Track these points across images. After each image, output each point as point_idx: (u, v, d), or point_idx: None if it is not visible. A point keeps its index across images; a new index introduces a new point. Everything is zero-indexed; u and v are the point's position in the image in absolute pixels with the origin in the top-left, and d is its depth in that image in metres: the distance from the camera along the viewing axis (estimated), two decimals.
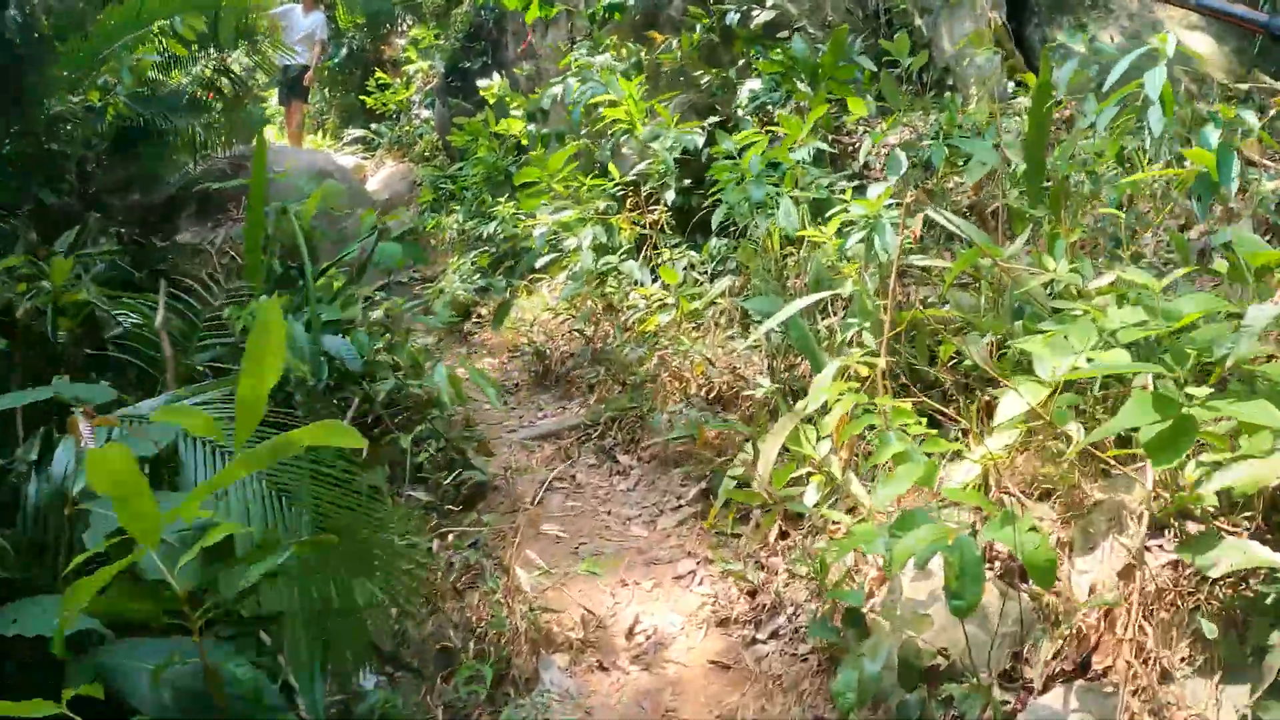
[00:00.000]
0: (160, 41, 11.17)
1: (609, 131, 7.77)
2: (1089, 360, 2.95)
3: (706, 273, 7.58)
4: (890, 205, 4.62)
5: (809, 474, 3.95)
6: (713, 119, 8.28)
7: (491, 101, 9.63)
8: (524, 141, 9.67)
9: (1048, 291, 3.88)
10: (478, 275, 9.86)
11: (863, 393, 3.60)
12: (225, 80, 12.22)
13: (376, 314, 7.21)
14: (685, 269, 7.33)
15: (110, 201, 11.24)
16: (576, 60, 9.05)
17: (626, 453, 5.70)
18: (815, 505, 3.88)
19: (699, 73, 8.96)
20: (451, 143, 11.30)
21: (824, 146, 5.51)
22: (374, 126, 16.54)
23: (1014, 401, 3.05)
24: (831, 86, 6.60)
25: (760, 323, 5.28)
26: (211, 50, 11.52)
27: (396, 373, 5.38)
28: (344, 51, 17.35)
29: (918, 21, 10.89)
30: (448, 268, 10.87)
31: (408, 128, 15.50)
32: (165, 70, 11.47)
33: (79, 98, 9.22)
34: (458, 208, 10.89)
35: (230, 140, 12.43)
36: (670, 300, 5.64)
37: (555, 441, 6.04)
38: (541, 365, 7.43)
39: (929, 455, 3.13)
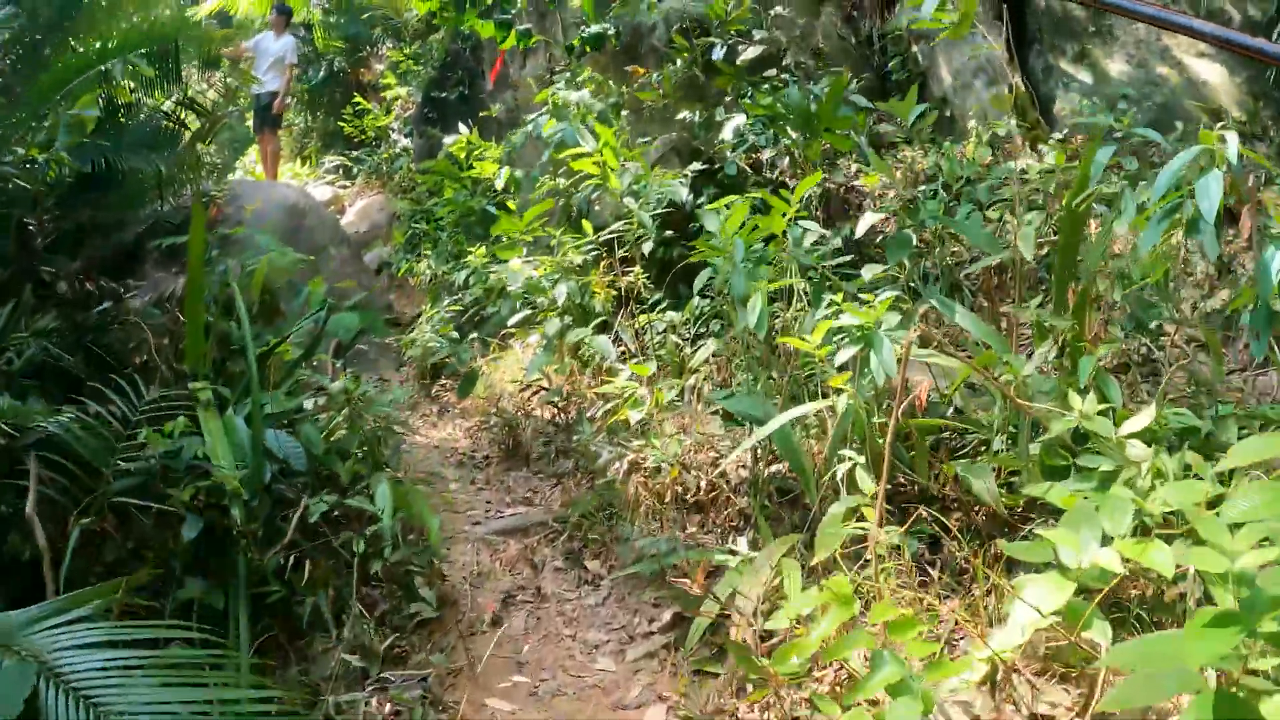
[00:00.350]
0: (116, 82, 10.66)
1: (582, 184, 7.23)
2: (1123, 559, 2.41)
3: (689, 334, 7.06)
4: (886, 294, 4.06)
5: (793, 636, 3.40)
6: (696, 165, 7.75)
7: (460, 156, 9.12)
8: (498, 186, 9.14)
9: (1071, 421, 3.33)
10: (451, 324, 9.32)
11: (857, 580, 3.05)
12: (190, 113, 11.71)
13: (336, 385, 6.65)
14: (664, 330, 6.80)
15: (61, 257, 10.75)
16: (553, 95, 8.51)
17: (597, 557, 5.16)
18: (796, 672, 3.33)
19: (682, 112, 8.43)
20: (419, 182, 10.77)
21: (814, 226, 4.93)
22: (354, 154, 16.01)
23: (1026, 611, 2.51)
24: (828, 138, 6.05)
25: (742, 423, 4.75)
26: (173, 84, 11.01)
27: (338, 486, 4.81)
28: (322, 74, 16.80)
29: (914, 49, 10.35)
30: (422, 311, 10.33)
31: (386, 155, 14.96)
32: (127, 109, 10.93)
33: (24, 149, 8.68)
34: (430, 250, 10.34)
35: (198, 175, 11.93)
36: (643, 393, 5.08)
37: (521, 539, 5.50)
38: (511, 439, 6.89)
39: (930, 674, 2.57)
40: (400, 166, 13.86)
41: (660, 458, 4.77)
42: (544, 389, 6.94)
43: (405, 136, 14.53)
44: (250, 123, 14.27)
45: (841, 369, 4.02)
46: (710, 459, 5.16)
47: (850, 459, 3.70)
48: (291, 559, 4.52)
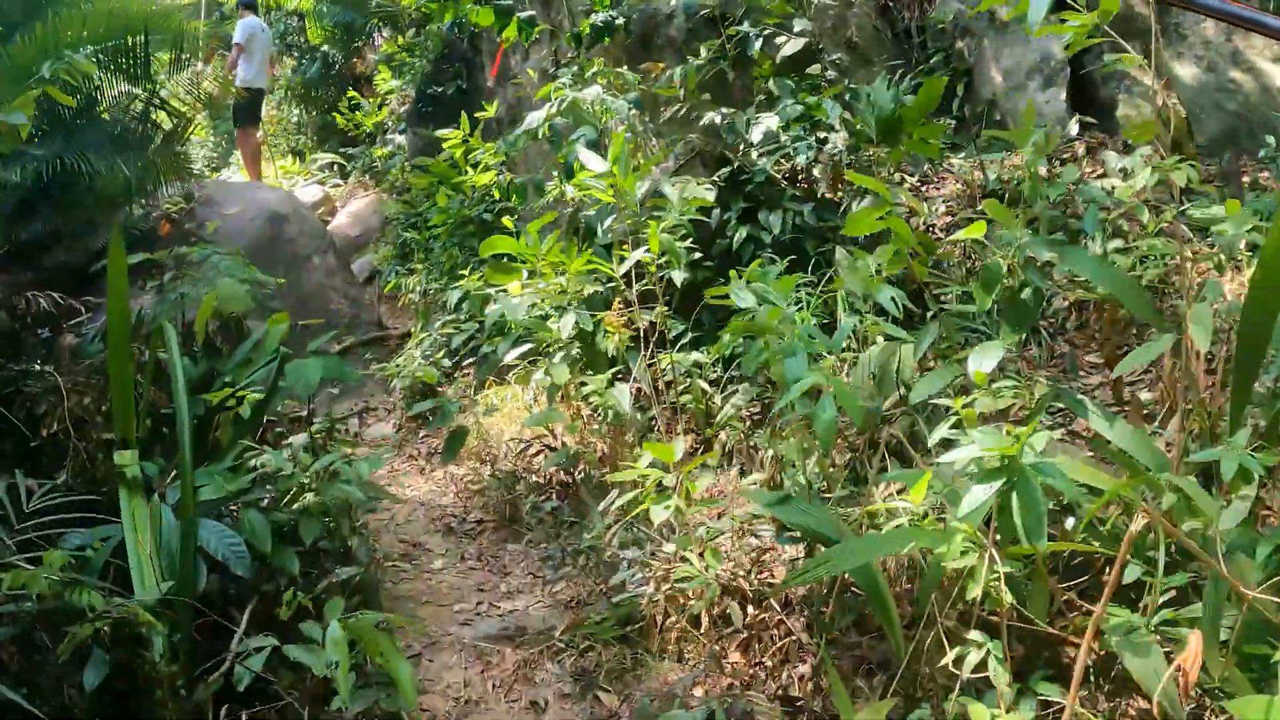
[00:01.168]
0: (76, 77, 9.54)
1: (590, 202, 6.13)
2: None
3: (714, 375, 5.97)
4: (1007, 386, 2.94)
5: None
6: (723, 171, 6.63)
7: (455, 155, 7.96)
8: (496, 194, 8.01)
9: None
10: (443, 351, 8.22)
11: None
12: (162, 113, 10.58)
13: (299, 439, 5.57)
14: (688, 372, 5.71)
15: (17, 268, 9.65)
16: (555, 90, 7.38)
17: (613, 683, 4.06)
18: None
19: (707, 113, 7.30)
20: (410, 185, 9.65)
21: (897, 299, 3.82)
22: (348, 151, 14.88)
23: None
24: (915, 146, 4.93)
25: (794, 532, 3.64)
26: (142, 80, 9.89)
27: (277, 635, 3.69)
28: (316, 66, 15.65)
29: (958, 44, 9.19)
30: (412, 333, 9.22)
31: (380, 154, 13.82)
32: (87, 108, 9.83)
33: None
34: (421, 264, 9.22)
35: (171, 177, 10.81)
36: (669, 480, 3.96)
37: (520, 650, 4.40)
38: (508, 502, 5.79)
39: None
40: (394, 166, 12.72)
41: (697, 579, 3.66)
42: (548, 449, 5.83)
43: (400, 134, 13.40)
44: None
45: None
46: (753, 552, 4.07)
47: (976, 644, 2.58)
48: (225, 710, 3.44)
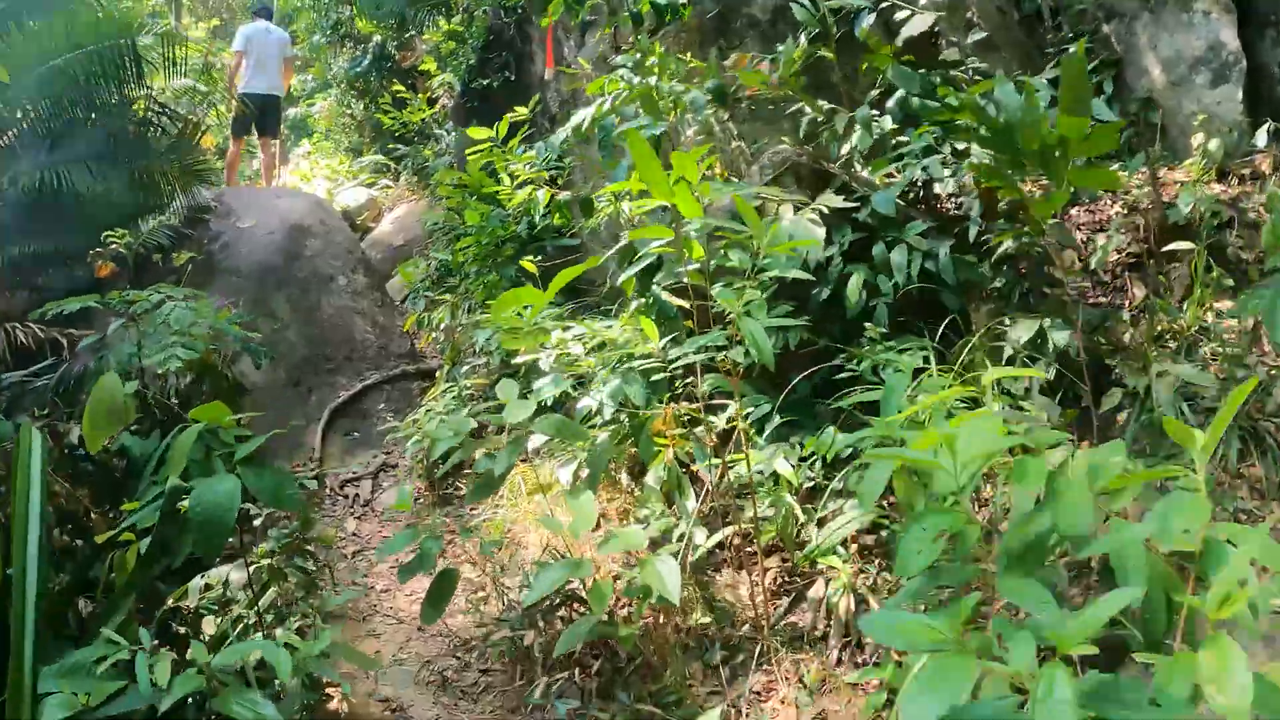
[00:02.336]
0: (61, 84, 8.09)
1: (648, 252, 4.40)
2: None
3: (817, 479, 4.25)
4: None
5: None
6: (830, 198, 4.84)
7: (496, 163, 6.20)
8: (531, 211, 6.28)
9: None
10: (469, 405, 6.53)
11: None
12: (165, 119, 9.05)
13: (236, 575, 3.96)
14: (771, 479, 3.97)
15: (13, 289, 8.19)
16: (613, 82, 5.67)
17: None
18: None
19: (797, 107, 5.51)
20: (440, 193, 7.95)
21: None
22: (399, 150, 13.30)
23: None
24: (1088, 179, 3.12)
25: None
26: (134, 87, 8.37)
27: None
28: (367, 59, 14.08)
29: (1103, 29, 7.20)
30: (437, 378, 7.53)
31: (428, 153, 12.21)
32: (79, 118, 8.32)
33: None
34: (451, 293, 7.53)
35: (180, 188, 9.29)
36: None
37: None
38: (522, 654, 4.07)
39: None
40: (441, 167, 11.06)
41: None
42: (572, 605, 4.10)
43: (449, 131, 11.77)
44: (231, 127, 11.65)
45: None
46: None
47: None
48: None
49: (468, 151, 5.91)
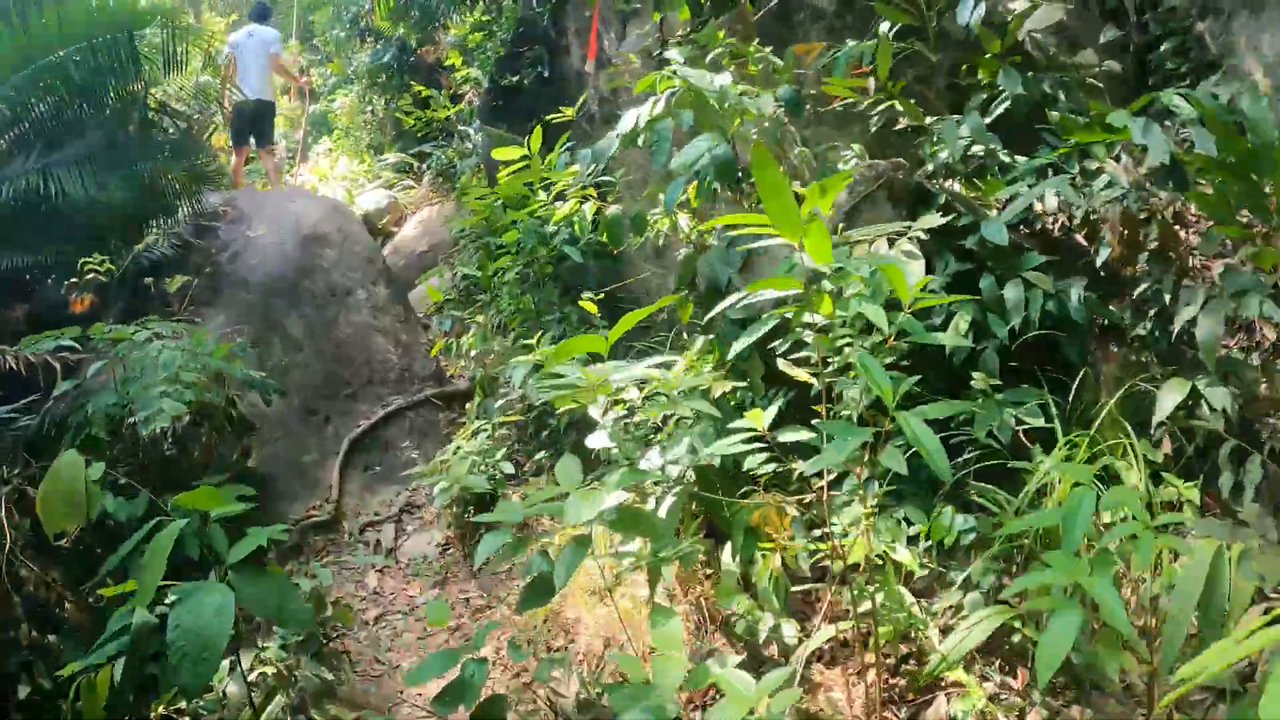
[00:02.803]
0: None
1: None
2: None
3: (935, 569, 3.47)
4: None
5: None
6: (930, 218, 4.02)
7: (509, 169, 5.36)
8: (579, 228, 5.47)
9: None
10: (504, 452, 5.76)
11: None
12: (167, 119, 8.25)
13: (233, 690, 3.18)
14: (886, 566, 3.17)
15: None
16: (665, 79, 4.86)
17: None
18: None
19: (875, 111, 4.68)
20: (465, 204, 7.15)
21: None
22: (423, 149, 12.49)
23: None
24: None
25: None
26: (131, 83, 7.56)
27: None
28: (389, 54, 13.28)
29: (1197, 26, 6.35)
30: (467, 410, 6.74)
31: (453, 154, 11.41)
32: (79, 118, 7.52)
33: None
34: (482, 315, 6.74)
35: (184, 194, 8.50)
36: None
37: None
38: None
39: None
40: (467, 169, 10.26)
41: None
42: None
43: (475, 130, 10.95)
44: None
45: None
46: None
47: None
48: None
49: (501, 175, 5.08)
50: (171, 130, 7.95)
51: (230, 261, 7.90)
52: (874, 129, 5.22)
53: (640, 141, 5.08)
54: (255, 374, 5.39)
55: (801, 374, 3.15)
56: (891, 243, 3.98)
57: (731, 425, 3.21)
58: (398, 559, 5.99)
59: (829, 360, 3.05)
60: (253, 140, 10.61)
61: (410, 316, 8.44)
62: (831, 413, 3.39)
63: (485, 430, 5.75)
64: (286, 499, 6.53)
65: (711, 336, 4.64)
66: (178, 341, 4.77)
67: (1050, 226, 4.63)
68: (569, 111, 5.52)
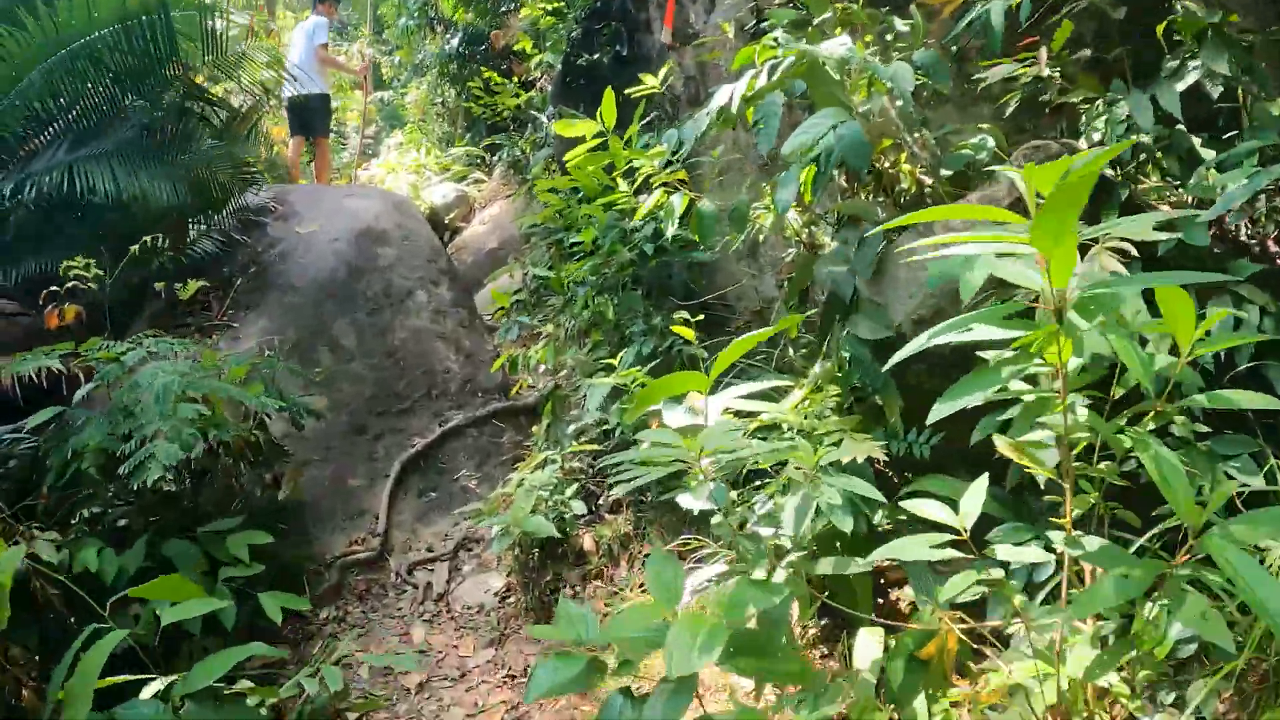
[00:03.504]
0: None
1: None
2: None
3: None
4: None
5: None
6: (1138, 223, 2.98)
7: (579, 152, 4.38)
8: (662, 226, 4.51)
9: None
10: (575, 488, 4.84)
11: None
12: (209, 109, 7.40)
13: None
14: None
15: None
16: (766, 48, 3.92)
17: None
18: None
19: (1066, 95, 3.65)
20: (538, 197, 6.21)
21: None
22: (495, 139, 11.63)
23: None
24: None
25: None
26: (168, 67, 6.73)
27: None
28: (456, 40, 12.45)
29: None
30: (535, 433, 5.84)
31: (526, 143, 10.51)
32: (111, 107, 6.73)
33: None
34: (553, 323, 5.83)
35: (228, 189, 7.69)
36: None
37: None
38: None
39: None
40: (540, 160, 9.33)
41: None
42: None
43: (549, 118, 10.04)
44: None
45: None
46: None
47: None
48: None
49: (569, 156, 4.10)
50: (211, 121, 7.13)
51: (278, 261, 7.08)
52: (1013, 106, 4.18)
53: (739, 121, 4.15)
54: (272, 401, 4.51)
55: (1039, 464, 2.15)
56: (1083, 252, 2.96)
57: (909, 508, 2.23)
58: (450, 606, 5.10)
59: (1056, 431, 2.05)
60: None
61: (475, 320, 7.56)
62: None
63: (554, 462, 4.83)
64: (327, 530, 5.68)
65: (833, 360, 3.66)
66: (177, 364, 3.89)
67: (1232, 228, 3.57)
68: (652, 80, 4.54)
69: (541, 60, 10.06)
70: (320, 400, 6.20)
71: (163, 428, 3.63)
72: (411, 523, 5.91)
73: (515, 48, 10.57)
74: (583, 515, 4.86)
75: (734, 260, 5.96)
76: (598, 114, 4.06)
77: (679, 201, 4.18)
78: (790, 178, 3.60)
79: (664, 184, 4.39)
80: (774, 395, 4.03)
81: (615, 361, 4.34)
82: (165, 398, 3.69)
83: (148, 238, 6.47)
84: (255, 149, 7.63)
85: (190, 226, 7.22)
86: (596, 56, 7.57)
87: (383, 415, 6.40)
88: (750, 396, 3.11)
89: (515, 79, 10.51)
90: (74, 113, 6.73)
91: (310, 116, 9.90)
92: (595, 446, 4.93)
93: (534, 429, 5.80)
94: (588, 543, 5.05)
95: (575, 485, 4.85)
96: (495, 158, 11.70)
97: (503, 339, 6.07)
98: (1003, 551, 2.20)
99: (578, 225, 5.56)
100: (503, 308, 6.61)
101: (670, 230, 4.17)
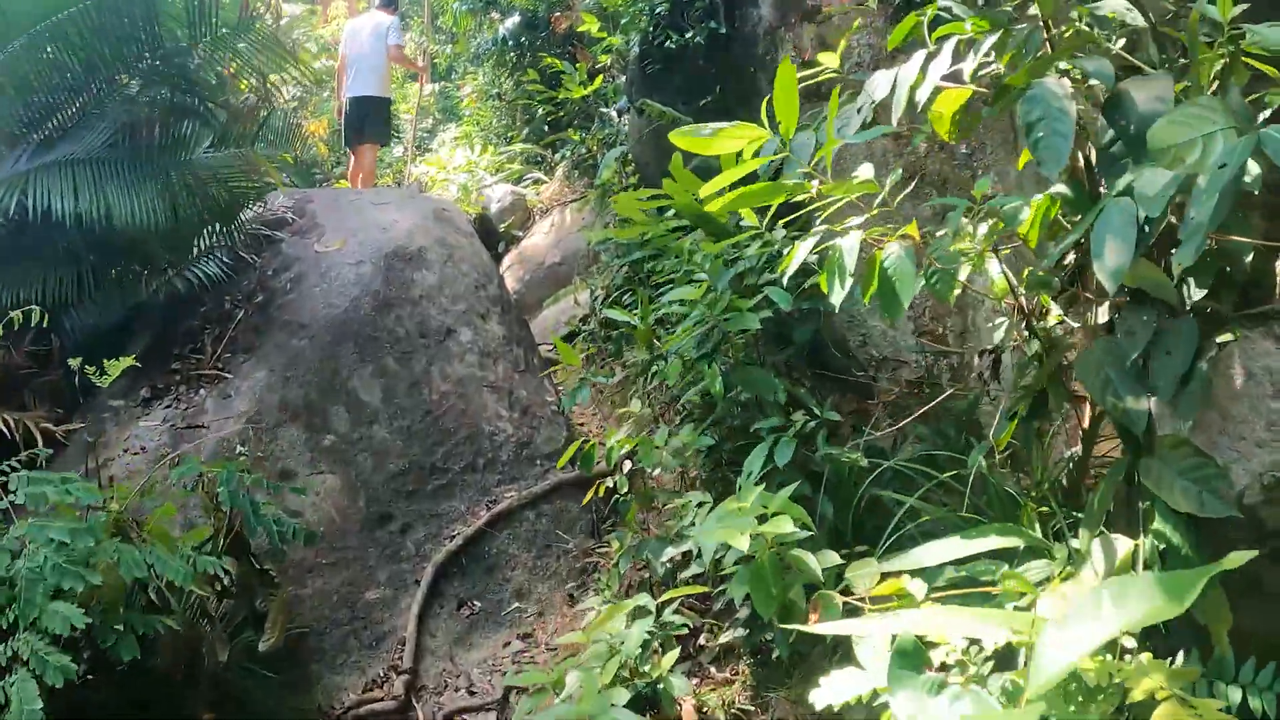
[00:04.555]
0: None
1: None
2: None
3: None
4: None
5: None
6: None
7: (742, 168, 2.80)
8: (822, 282, 2.89)
9: None
10: (671, 661, 3.24)
11: None
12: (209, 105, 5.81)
13: None
14: None
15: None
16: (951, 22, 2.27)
17: None
18: None
19: None
20: (615, 205, 4.59)
21: None
22: (556, 137, 10.07)
23: None
24: None
25: None
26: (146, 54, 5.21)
27: None
28: (513, 23, 10.88)
29: None
30: (614, 562, 4.28)
31: (593, 142, 8.92)
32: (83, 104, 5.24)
33: None
34: (637, 384, 4.26)
35: (229, 202, 6.09)
36: None
37: None
38: None
39: None
40: (611, 162, 7.73)
41: None
42: None
43: (620, 111, 8.46)
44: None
45: None
46: None
47: None
48: None
49: (712, 186, 2.45)
50: (211, 122, 5.61)
51: (288, 289, 5.57)
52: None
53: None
54: (211, 562, 2.95)
55: None
56: None
57: None
58: None
59: None
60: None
61: (531, 360, 5.99)
62: None
63: (646, 613, 3.24)
64: (336, 666, 4.16)
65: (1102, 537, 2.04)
66: (58, 525, 2.37)
67: None
68: (830, 59, 2.83)
69: (611, 45, 8.47)
70: (330, 480, 4.68)
71: (22, 651, 2.14)
72: (448, 647, 4.37)
73: (580, 28, 8.98)
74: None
75: (877, 315, 4.36)
76: (762, 114, 2.43)
77: (852, 249, 2.57)
78: (1197, 224, 1.91)
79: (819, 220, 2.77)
80: (990, 567, 2.51)
81: (744, 505, 2.74)
82: (31, 595, 2.20)
83: (136, 263, 5.01)
84: (278, 149, 6.11)
85: (187, 246, 5.74)
86: (690, 35, 5.94)
87: (413, 496, 4.86)
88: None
89: (581, 67, 8.91)
90: (37, 112, 5.27)
91: (370, 120, 8.69)
92: (700, 589, 3.35)
93: (613, 547, 4.21)
94: (686, 711, 3.48)
95: (674, 653, 3.26)
96: (557, 156, 10.14)
97: (569, 405, 4.48)
98: None
99: (675, 255, 3.98)
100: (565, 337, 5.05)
101: (840, 295, 2.56)
